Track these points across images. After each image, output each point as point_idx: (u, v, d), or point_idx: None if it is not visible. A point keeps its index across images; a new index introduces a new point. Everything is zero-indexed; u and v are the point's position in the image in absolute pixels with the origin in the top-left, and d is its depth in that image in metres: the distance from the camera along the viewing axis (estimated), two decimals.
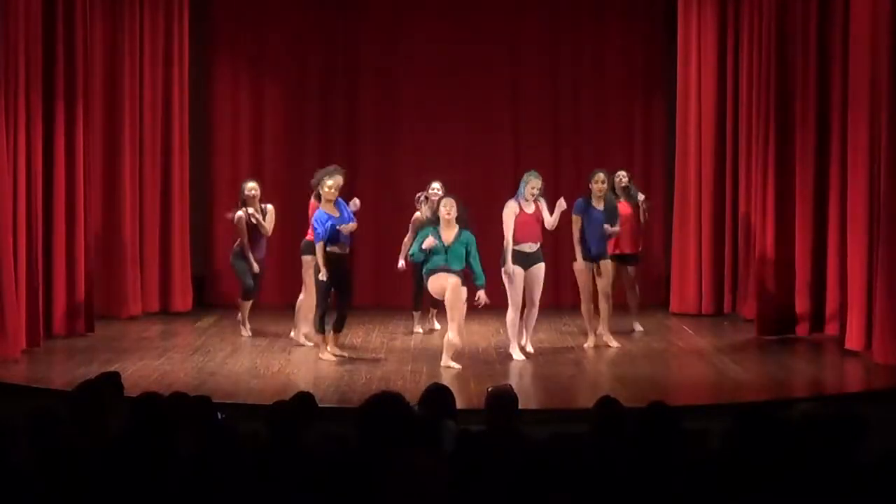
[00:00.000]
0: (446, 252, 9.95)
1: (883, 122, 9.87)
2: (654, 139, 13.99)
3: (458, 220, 10.06)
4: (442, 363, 9.94)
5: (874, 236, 10.14)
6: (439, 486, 4.41)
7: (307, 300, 10.74)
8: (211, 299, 13.70)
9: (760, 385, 9.54)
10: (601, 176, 10.87)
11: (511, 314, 10.31)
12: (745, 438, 4.78)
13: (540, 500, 4.50)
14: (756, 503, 4.51)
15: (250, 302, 11.47)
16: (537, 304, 10.46)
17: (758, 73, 11.98)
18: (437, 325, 11.73)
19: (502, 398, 5.58)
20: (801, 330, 11.25)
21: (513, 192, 13.16)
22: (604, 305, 10.84)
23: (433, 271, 10.01)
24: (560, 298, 12.98)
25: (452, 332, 9.93)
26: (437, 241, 9.98)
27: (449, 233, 10.02)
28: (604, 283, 10.84)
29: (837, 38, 10.86)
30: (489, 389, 5.72)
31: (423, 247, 9.99)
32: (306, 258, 10.68)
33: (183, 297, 13.25)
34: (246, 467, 4.85)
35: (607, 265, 10.89)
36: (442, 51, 13.83)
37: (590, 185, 10.88)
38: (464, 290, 9.95)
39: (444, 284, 9.91)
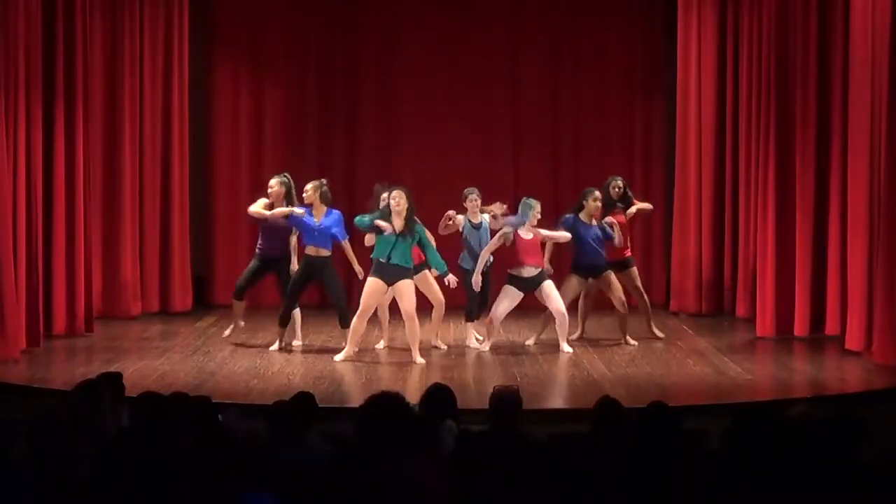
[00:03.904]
0: (394, 244, 10.00)
1: (883, 121, 9.87)
2: (654, 139, 13.97)
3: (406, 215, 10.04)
4: (413, 358, 10.06)
5: (874, 236, 10.13)
6: (439, 486, 4.41)
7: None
8: (211, 299, 13.70)
9: (760, 385, 9.55)
10: (597, 194, 11.04)
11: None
12: (745, 438, 4.78)
13: (540, 500, 4.50)
14: (756, 503, 4.51)
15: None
16: (563, 310, 10.58)
17: (758, 73, 11.98)
18: (443, 346, 10.98)
19: (506, 399, 5.58)
20: (801, 330, 11.25)
21: (511, 190, 13.27)
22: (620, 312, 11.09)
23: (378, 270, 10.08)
24: None
25: (409, 325, 10.10)
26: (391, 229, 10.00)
27: (398, 222, 10.06)
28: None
29: (837, 38, 10.86)
30: (494, 389, 5.72)
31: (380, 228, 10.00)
32: None
33: (183, 297, 13.24)
34: (246, 467, 4.85)
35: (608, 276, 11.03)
36: (442, 50, 13.83)
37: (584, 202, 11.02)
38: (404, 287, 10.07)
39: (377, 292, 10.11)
